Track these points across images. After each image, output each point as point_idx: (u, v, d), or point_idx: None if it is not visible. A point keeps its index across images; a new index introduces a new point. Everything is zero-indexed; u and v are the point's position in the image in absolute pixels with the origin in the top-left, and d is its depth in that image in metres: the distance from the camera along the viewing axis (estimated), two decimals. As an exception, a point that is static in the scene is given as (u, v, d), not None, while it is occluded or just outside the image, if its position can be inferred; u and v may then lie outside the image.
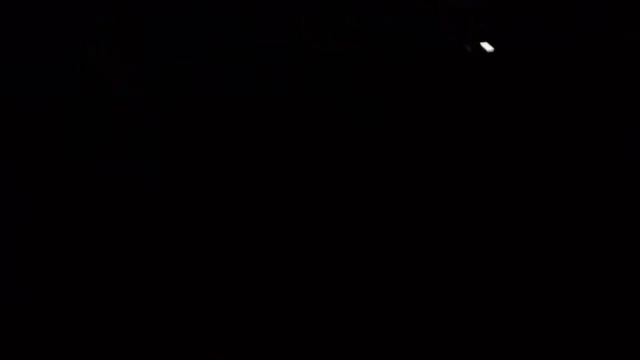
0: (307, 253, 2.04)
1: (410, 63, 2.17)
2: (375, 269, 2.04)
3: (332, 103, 2.16)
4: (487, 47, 2.15)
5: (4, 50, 2.13)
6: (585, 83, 2.19)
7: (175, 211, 2.06)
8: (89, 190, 2.05)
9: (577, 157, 2.14)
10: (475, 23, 2.19)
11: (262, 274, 2.02)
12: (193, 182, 2.08)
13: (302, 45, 2.18)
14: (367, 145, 2.15)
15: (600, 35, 2.20)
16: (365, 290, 2.02)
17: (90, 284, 1.98)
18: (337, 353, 1.94)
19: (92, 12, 2.14)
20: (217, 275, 2.01)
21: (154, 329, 1.94)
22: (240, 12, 2.17)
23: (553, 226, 2.07)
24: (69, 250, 2.01)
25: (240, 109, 2.14)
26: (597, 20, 2.20)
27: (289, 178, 2.11)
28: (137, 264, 2.01)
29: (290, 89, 2.16)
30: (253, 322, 1.97)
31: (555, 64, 2.20)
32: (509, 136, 2.17)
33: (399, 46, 2.18)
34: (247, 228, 2.06)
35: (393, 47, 2.18)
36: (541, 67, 2.21)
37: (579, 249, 2.05)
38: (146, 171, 2.07)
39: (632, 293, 1.99)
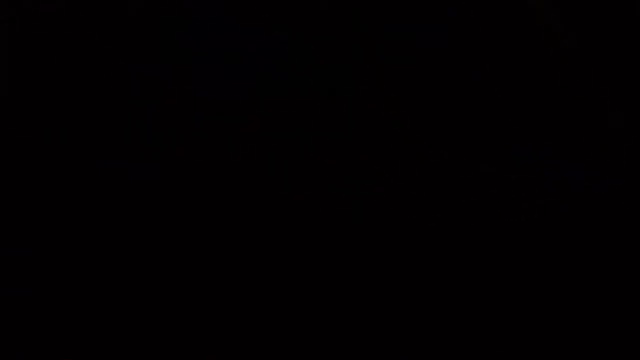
0: (305, 253, 2.04)
1: (410, 63, 2.17)
2: (373, 269, 2.04)
3: (332, 103, 2.16)
4: None
5: None
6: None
7: (170, 212, 2.06)
8: (88, 188, 2.05)
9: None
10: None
11: (260, 274, 2.01)
12: (193, 181, 2.08)
13: (302, 45, 2.17)
14: (366, 146, 2.14)
15: None
16: (362, 292, 2.02)
17: (83, 283, 1.98)
18: (334, 356, 1.93)
19: None
20: (210, 275, 2.01)
21: (149, 329, 1.94)
22: (240, 12, 2.16)
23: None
24: (67, 249, 2.01)
25: (241, 109, 2.14)
26: None
27: (289, 178, 2.11)
28: (131, 263, 2.00)
29: (290, 89, 2.16)
30: (246, 322, 1.96)
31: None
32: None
33: (398, 46, 2.18)
34: (245, 229, 2.06)
35: (393, 47, 2.18)
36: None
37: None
38: (146, 170, 2.07)
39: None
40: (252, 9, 2.16)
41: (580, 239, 2.03)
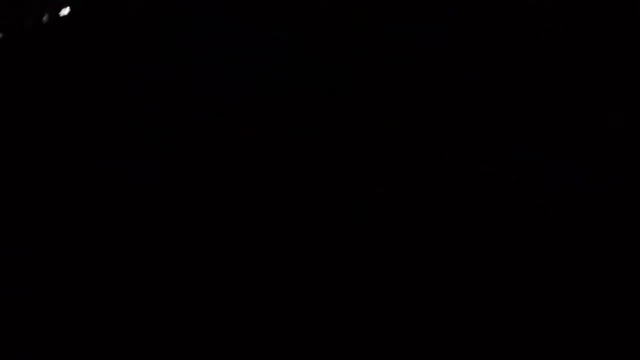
0: (305, 253, 2.04)
1: (410, 63, 2.17)
2: (373, 270, 2.04)
3: (332, 103, 2.16)
4: None
5: None
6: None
7: (170, 212, 2.06)
8: (89, 188, 2.05)
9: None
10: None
11: (260, 273, 2.02)
12: (192, 181, 2.08)
13: (302, 45, 2.17)
14: (366, 146, 2.14)
15: None
16: (362, 291, 2.02)
17: (83, 283, 1.98)
18: (334, 355, 1.94)
19: None
20: (210, 274, 2.01)
21: (149, 329, 1.94)
22: (240, 12, 2.16)
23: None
24: (67, 249, 2.01)
25: (241, 109, 2.14)
26: None
27: (289, 178, 2.11)
28: (131, 263, 2.01)
29: (290, 89, 2.16)
30: (246, 322, 1.96)
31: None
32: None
33: (398, 46, 2.18)
34: (245, 228, 2.06)
35: (393, 47, 2.18)
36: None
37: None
38: (146, 170, 2.07)
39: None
40: (252, 9, 2.17)
41: (580, 239, 2.03)
